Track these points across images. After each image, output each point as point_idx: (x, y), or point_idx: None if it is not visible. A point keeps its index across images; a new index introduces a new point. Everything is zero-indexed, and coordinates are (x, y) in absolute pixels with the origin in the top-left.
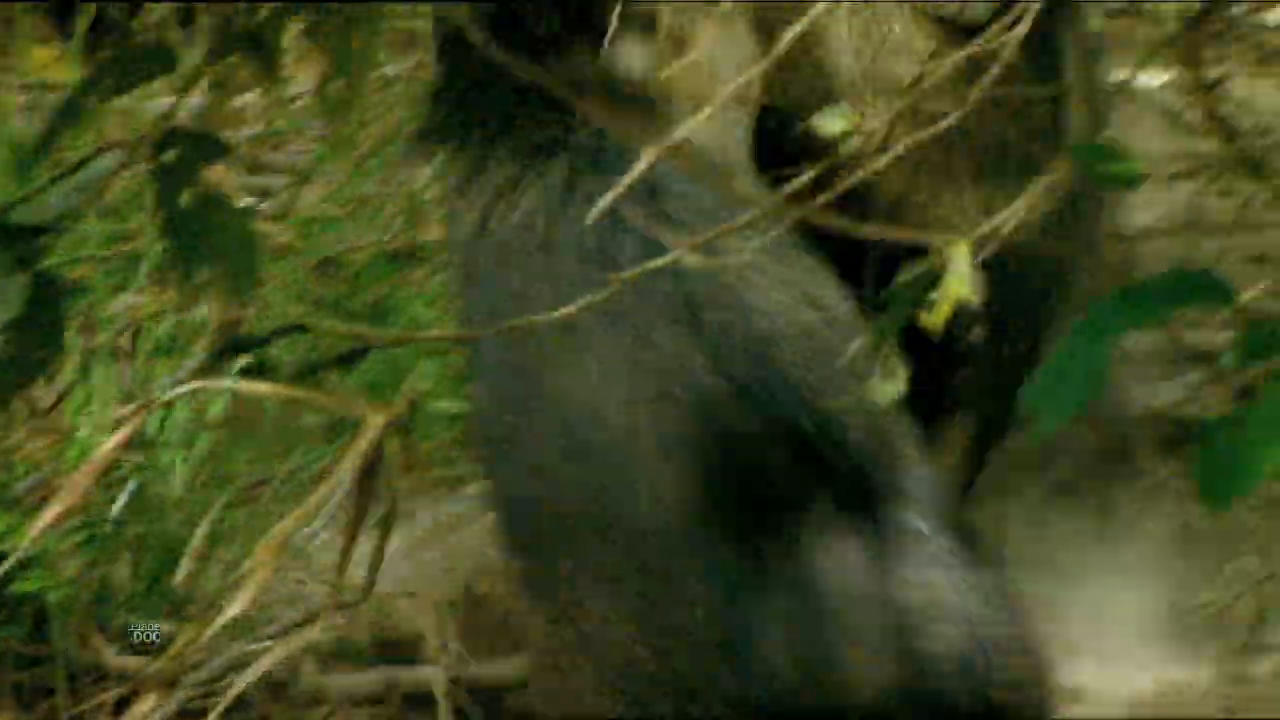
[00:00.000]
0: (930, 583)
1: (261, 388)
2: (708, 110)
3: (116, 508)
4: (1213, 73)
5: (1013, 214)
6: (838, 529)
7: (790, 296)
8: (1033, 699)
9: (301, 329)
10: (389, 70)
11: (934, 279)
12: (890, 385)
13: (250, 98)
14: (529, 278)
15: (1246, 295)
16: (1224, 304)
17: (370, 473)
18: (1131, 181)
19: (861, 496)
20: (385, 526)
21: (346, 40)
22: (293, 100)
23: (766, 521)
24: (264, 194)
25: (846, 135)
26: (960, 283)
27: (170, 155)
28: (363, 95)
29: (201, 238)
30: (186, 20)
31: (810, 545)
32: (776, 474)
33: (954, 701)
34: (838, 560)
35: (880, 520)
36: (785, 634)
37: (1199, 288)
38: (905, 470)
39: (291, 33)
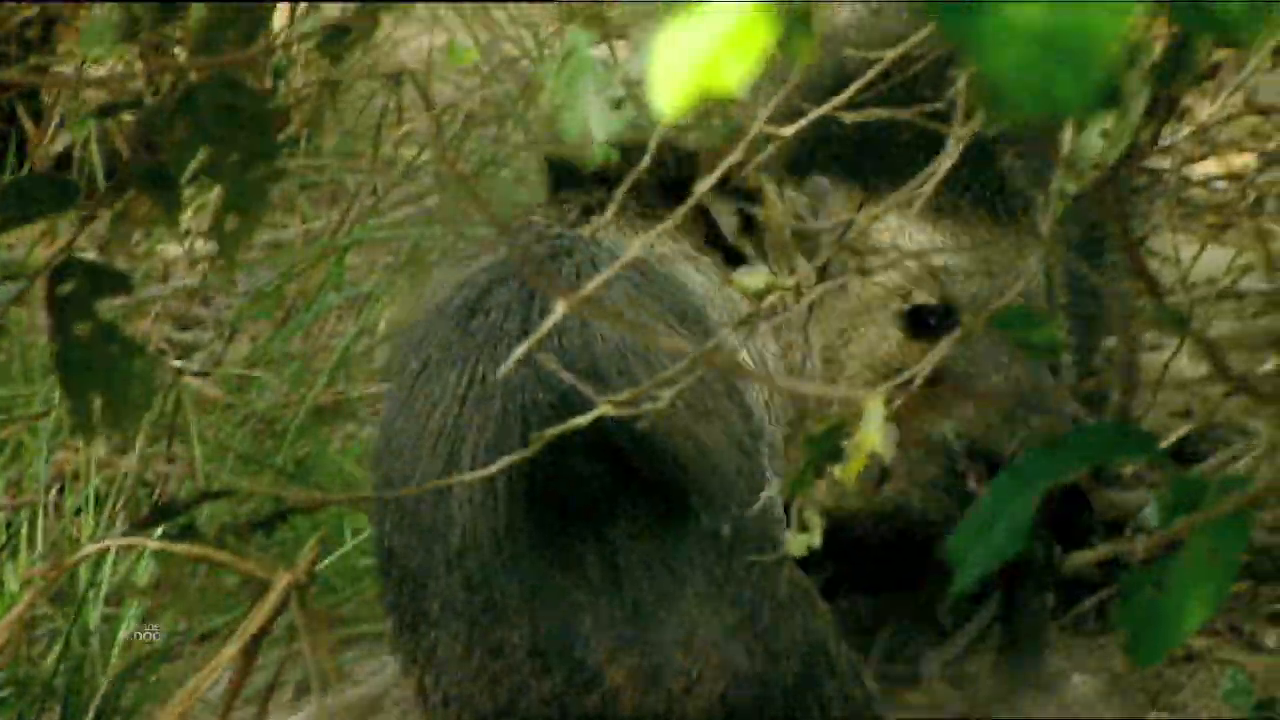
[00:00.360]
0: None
1: (176, 548)
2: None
3: (46, 663)
4: (1137, 228)
5: (921, 367)
6: (651, 541)
7: (633, 323)
8: None
9: (227, 494)
10: (315, 224)
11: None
12: (804, 537)
13: (176, 251)
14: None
15: (1166, 442)
16: (1147, 456)
17: (258, 637)
18: (1052, 349)
19: (676, 512)
20: (271, 687)
21: (245, 175)
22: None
23: (582, 534)
24: (191, 348)
25: (766, 291)
26: (874, 436)
27: (67, 286)
28: (256, 231)
29: (94, 370)
30: (110, 171)
31: (624, 556)
32: (593, 488)
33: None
34: (648, 571)
35: (686, 537)
36: (603, 641)
37: (1124, 440)
38: (725, 492)
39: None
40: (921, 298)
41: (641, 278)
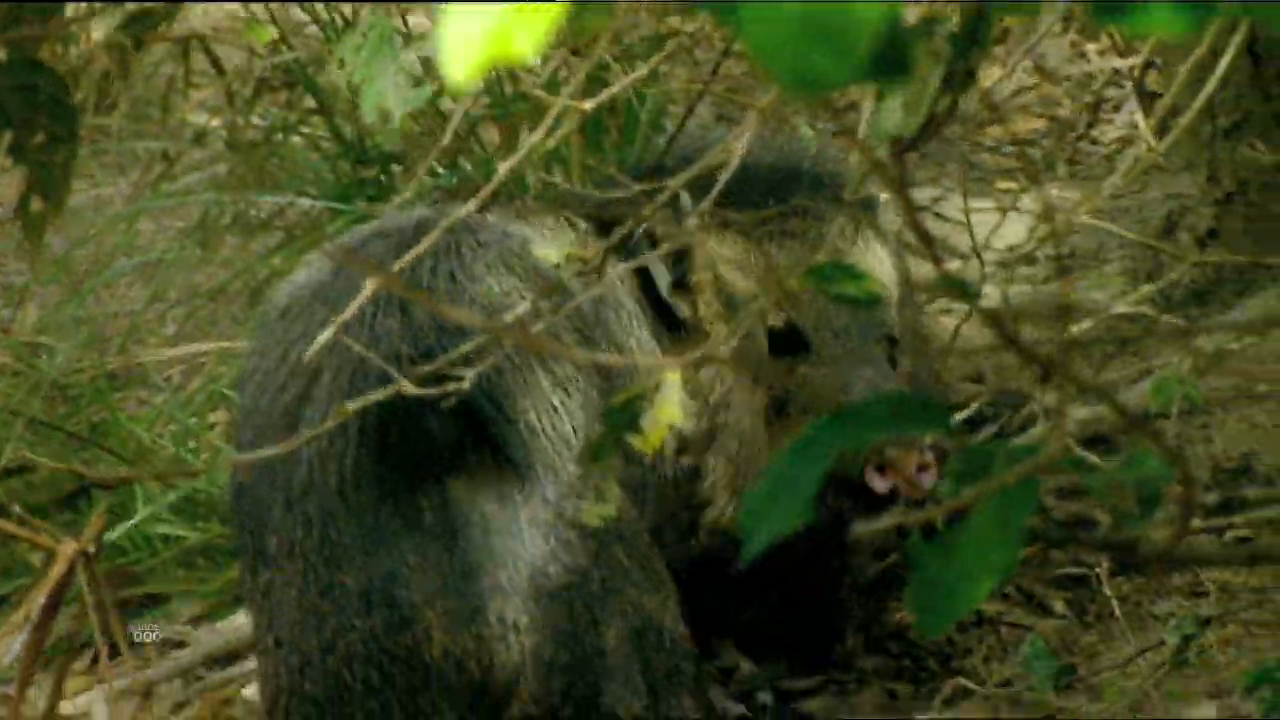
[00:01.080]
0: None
1: None
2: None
3: None
4: (928, 193)
5: (721, 339)
6: (490, 499)
7: (510, 289)
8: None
9: (26, 469)
10: (106, 190)
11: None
12: (601, 507)
13: None
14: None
15: (960, 416)
16: (938, 427)
17: (54, 603)
18: (868, 299)
19: (520, 476)
20: (68, 655)
21: (49, 157)
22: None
23: (424, 485)
24: None
25: (566, 262)
26: (671, 408)
27: None
28: (63, 212)
29: None
30: None
31: (461, 509)
32: (442, 443)
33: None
34: (482, 526)
35: (523, 490)
36: (424, 584)
37: (914, 410)
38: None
39: None
40: (775, 320)
41: (513, 257)
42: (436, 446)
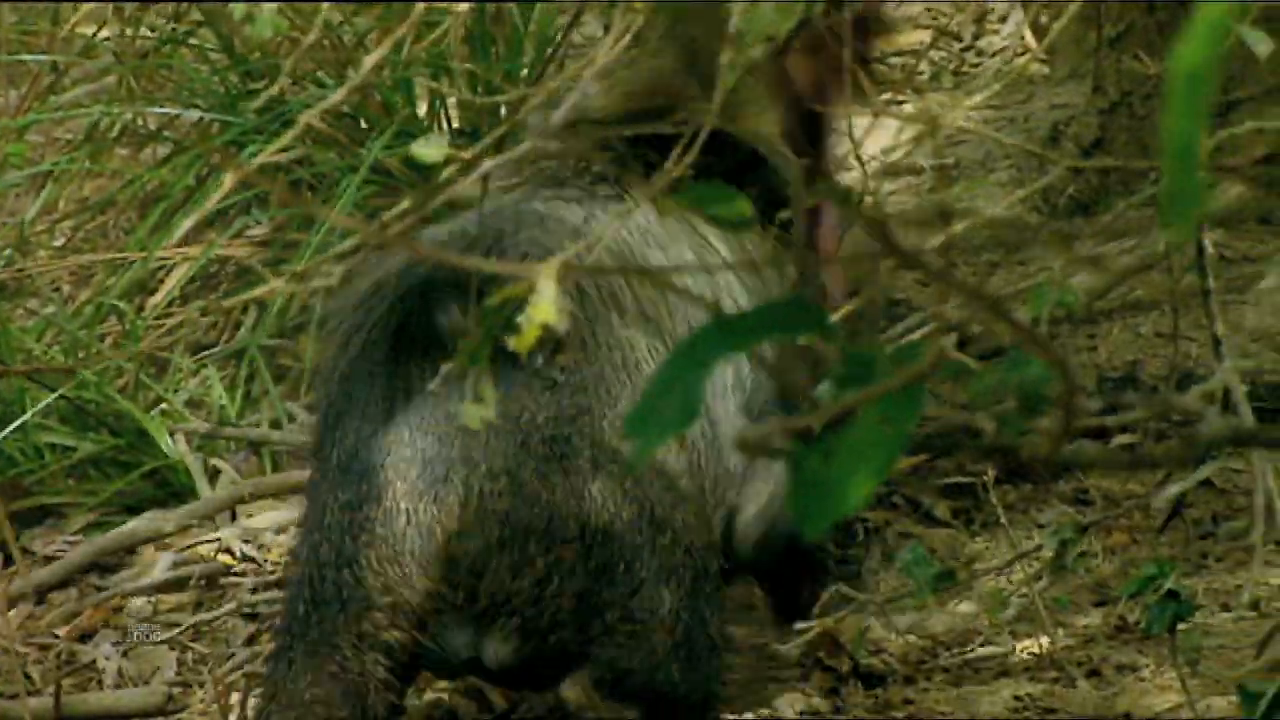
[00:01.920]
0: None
1: None
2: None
3: None
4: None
5: (601, 234)
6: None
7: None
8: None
9: None
10: None
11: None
12: (477, 408)
13: None
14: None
15: (836, 316)
16: (819, 332)
17: None
18: (740, 223)
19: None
20: None
21: None
22: None
23: (421, 364)
24: None
25: (444, 164)
26: (547, 308)
27: None
28: None
29: None
30: None
31: (445, 393)
32: (446, 331)
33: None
34: (464, 398)
35: (515, 374)
36: (394, 455)
37: (795, 316)
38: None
39: None
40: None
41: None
42: (442, 337)
